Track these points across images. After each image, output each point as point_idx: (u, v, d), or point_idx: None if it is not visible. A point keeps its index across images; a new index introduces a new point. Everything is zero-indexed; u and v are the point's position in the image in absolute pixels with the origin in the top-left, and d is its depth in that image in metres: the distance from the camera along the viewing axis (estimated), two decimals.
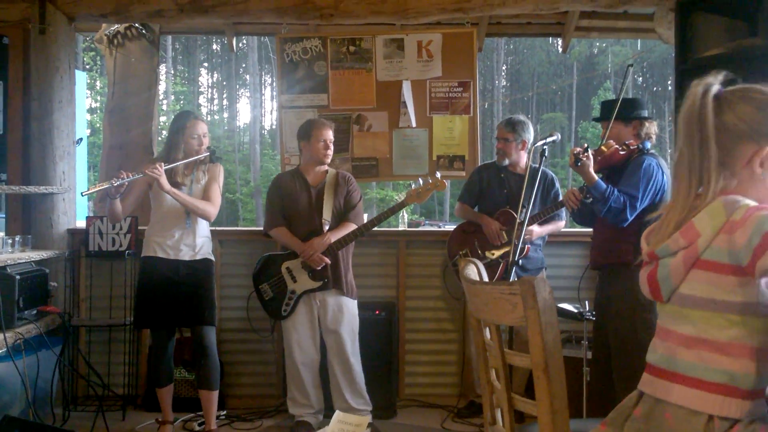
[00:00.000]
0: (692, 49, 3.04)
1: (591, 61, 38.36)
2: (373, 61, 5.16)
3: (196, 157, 3.91)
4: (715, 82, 1.55)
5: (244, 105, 41.34)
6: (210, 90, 42.22)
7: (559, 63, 38.86)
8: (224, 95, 40.88)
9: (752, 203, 1.44)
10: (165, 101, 31.75)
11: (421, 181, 4.12)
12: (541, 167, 3.65)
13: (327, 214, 4.08)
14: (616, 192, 3.41)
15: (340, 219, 4.14)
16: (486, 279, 1.87)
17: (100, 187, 3.72)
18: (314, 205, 4.12)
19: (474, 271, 1.86)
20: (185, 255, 3.90)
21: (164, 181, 3.73)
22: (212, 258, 4.04)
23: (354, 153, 5.19)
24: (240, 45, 34.15)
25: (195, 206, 3.86)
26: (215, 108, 41.41)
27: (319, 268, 4.01)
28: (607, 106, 3.74)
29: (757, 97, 1.54)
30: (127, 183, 3.70)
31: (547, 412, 1.54)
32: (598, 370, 3.55)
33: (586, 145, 3.50)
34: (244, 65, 38.49)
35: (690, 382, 1.44)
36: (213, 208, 3.94)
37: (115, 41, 5.33)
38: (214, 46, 39.35)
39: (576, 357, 3.78)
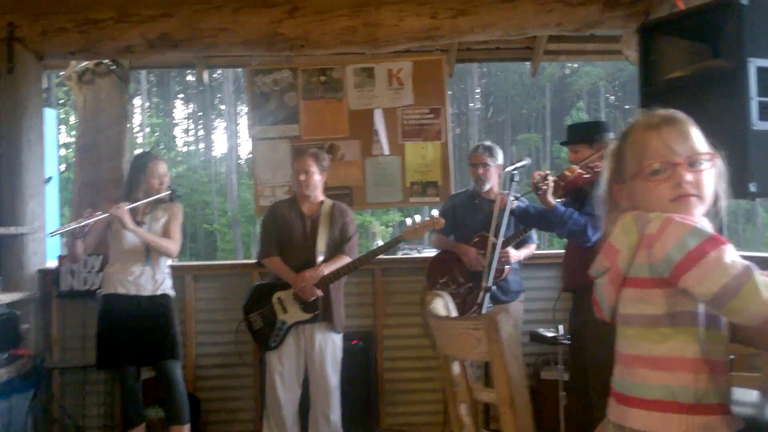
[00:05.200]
0: (656, 71, 3.06)
1: (563, 82, 38.81)
2: (344, 90, 5.17)
3: (157, 196, 3.95)
4: None
5: (220, 135, 41.22)
6: (186, 121, 42.08)
7: (532, 84, 39.21)
8: (200, 126, 40.75)
9: (665, 213, 1.44)
10: (140, 134, 31.62)
11: (417, 218, 4.11)
12: (512, 192, 3.65)
13: (321, 246, 4.02)
14: (575, 215, 3.43)
15: (334, 251, 4.07)
16: (454, 312, 1.86)
17: (68, 228, 3.76)
18: (308, 236, 4.06)
19: (440, 305, 1.84)
20: (146, 290, 3.91)
21: (128, 220, 3.78)
22: (172, 293, 4.05)
23: (327, 182, 5.17)
24: (215, 75, 34.14)
25: (158, 244, 3.90)
26: (191, 139, 41.24)
27: (311, 300, 3.96)
28: (573, 130, 3.78)
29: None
30: (92, 222, 3.73)
31: None
32: (576, 393, 3.53)
33: (546, 172, 3.54)
34: (219, 95, 38.44)
35: (633, 402, 1.44)
36: (174, 246, 3.98)
37: (85, 78, 5.29)
38: (189, 77, 39.24)
39: (555, 380, 3.76)
